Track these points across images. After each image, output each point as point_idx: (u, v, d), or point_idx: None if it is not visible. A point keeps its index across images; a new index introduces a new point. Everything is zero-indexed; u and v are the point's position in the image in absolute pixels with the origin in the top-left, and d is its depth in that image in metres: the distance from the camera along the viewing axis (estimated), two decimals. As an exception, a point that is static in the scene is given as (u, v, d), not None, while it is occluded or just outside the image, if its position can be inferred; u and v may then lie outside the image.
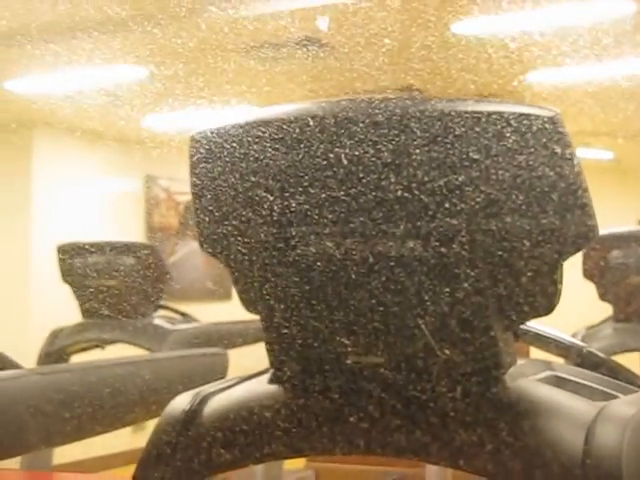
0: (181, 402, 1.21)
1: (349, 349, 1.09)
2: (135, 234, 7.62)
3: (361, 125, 1.02)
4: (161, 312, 3.90)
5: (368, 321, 1.06)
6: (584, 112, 5.57)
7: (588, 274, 3.10)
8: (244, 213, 1.09)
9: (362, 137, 1.02)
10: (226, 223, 1.12)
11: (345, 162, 1.03)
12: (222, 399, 1.20)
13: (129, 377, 1.68)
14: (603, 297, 3.16)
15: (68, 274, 3.72)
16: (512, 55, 4.32)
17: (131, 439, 4.21)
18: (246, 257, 1.12)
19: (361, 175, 1.03)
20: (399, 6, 3.80)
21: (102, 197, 7.60)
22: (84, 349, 3.83)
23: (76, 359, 3.80)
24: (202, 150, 1.13)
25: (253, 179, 1.09)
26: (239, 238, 1.11)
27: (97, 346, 3.86)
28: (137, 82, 5.28)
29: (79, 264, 3.70)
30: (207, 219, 1.14)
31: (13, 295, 6.84)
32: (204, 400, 1.20)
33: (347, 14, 3.98)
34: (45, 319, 4.06)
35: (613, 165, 8.84)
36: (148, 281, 3.69)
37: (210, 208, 1.13)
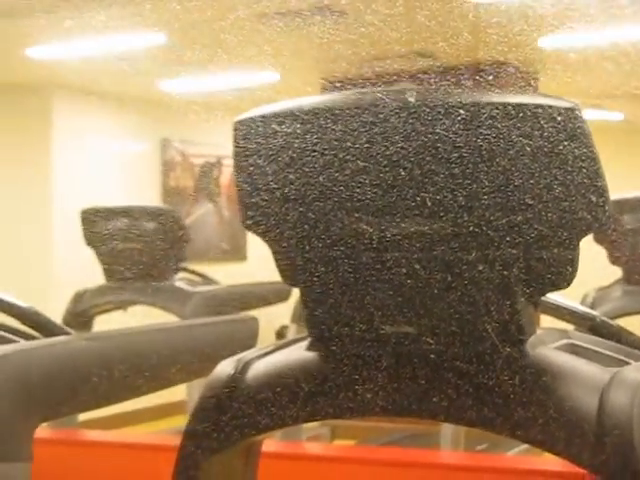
0: (226, 367, 1.30)
1: (383, 319, 1.19)
2: (151, 196, 7.70)
3: (393, 113, 1.12)
4: (182, 274, 3.97)
5: (400, 293, 1.16)
6: (596, 75, 5.63)
7: (599, 239, 3.19)
8: (285, 194, 1.19)
9: (394, 125, 1.11)
10: (268, 203, 1.21)
11: (379, 148, 1.12)
12: (263, 364, 1.30)
13: (167, 342, 1.78)
14: (613, 261, 3.26)
15: (91, 238, 3.78)
16: (526, 20, 4.38)
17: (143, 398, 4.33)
18: (287, 235, 1.22)
19: (394, 160, 1.12)
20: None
21: (119, 160, 7.69)
22: (106, 311, 3.92)
23: (99, 320, 3.89)
24: (245, 134, 1.22)
25: (293, 162, 1.18)
26: (281, 217, 1.21)
27: (119, 308, 3.97)
28: (154, 48, 5.34)
29: (102, 228, 3.77)
30: (250, 199, 1.23)
31: (36, 257, 6.95)
32: (247, 365, 1.29)
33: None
34: (68, 282, 4.15)
35: (623, 126, 8.88)
36: (169, 244, 3.77)
37: (253, 189, 1.22)
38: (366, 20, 4.52)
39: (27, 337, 1.65)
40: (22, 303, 1.70)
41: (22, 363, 1.50)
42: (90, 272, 3.83)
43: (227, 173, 8.61)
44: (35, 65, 5.89)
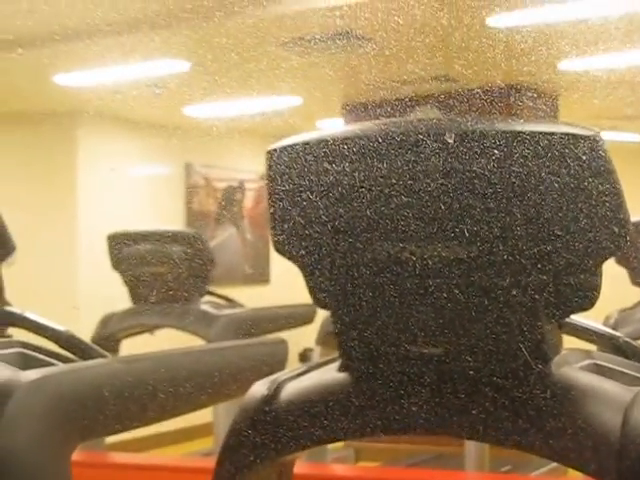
0: (259, 388, 1.35)
1: (411, 341, 1.23)
2: (175, 220, 7.77)
3: (423, 142, 1.16)
4: (207, 298, 4.02)
5: (428, 316, 1.21)
6: (614, 97, 5.66)
7: (621, 260, 3.22)
8: (318, 220, 1.24)
9: (424, 153, 1.16)
10: (300, 228, 1.26)
11: (410, 177, 1.17)
12: (296, 385, 1.34)
13: (199, 365, 1.82)
14: (635, 282, 3.29)
15: (118, 262, 3.83)
16: (545, 44, 4.42)
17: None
18: (318, 259, 1.26)
19: (422, 186, 1.17)
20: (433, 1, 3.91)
21: (143, 184, 7.76)
22: (134, 334, 3.96)
23: (126, 344, 3.93)
24: (278, 162, 1.27)
25: (326, 189, 1.23)
26: (313, 242, 1.25)
27: (146, 331, 4.01)
28: (179, 74, 5.42)
29: (129, 252, 3.82)
30: (282, 224, 1.28)
31: (61, 281, 7.01)
32: (280, 386, 1.34)
33: (384, 7, 4.09)
34: (93, 306, 4.19)
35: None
36: (195, 268, 3.81)
37: (285, 214, 1.27)
38: (387, 44, 4.57)
39: (64, 360, 1.69)
40: (59, 326, 1.74)
41: (60, 385, 1.55)
42: (115, 296, 3.87)
43: (250, 197, 8.67)
44: (62, 91, 5.97)
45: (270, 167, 1.27)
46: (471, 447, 3.67)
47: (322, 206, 1.22)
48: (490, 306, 1.17)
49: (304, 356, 6.22)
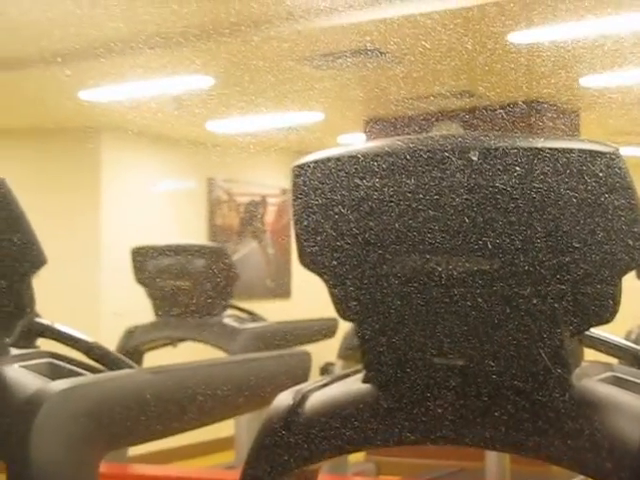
0: (285, 398, 1.38)
1: (437, 351, 1.26)
2: (198, 234, 7.81)
3: (449, 158, 1.19)
4: (229, 311, 4.04)
5: (452, 327, 1.23)
6: (634, 112, 5.67)
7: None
8: (343, 234, 1.26)
9: (450, 169, 1.19)
10: (326, 242, 1.29)
11: (435, 190, 1.20)
12: (321, 396, 1.37)
13: (225, 376, 1.85)
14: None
15: (142, 275, 3.85)
16: (566, 61, 4.44)
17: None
18: (345, 271, 1.29)
19: (448, 201, 1.20)
20: (456, 16, 3.94)
21: (167, 198, 7.81)
22: (157, 347, 3.98)
23: (149, 356, 3.96)
24: (304, 177, 1.30)
25: (353, 204, 1.25)
26: (338, 255, 1.28)
27: (169, 344, 4.04)
28: (202, 89, 5.46)
29: (153, 266, 3.85)
30: (308, 238, 1.31)
31: (84, 294, 7.05)
32: (305, 397, 1.36)
33: (405, 24, 4.13)
34: (115, 317, 4.22)
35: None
36: (218, 281, 3.83)
37: (311, 228, 1.30)
38: (409, 60, 4.60)
39: (92, 370, 1.73)
40: (88, 337, 1.78)
41: (89, 395, 1.58)
42: (138, 308, 3.90)
43: (272, 211, 8.71)
44: (87, 107, 6.03)
45: (296, 182, 1.30)
46: (492, 461, 3.68)
47: (349, 220, 1.25)
48: (512, 315, 1.19)
49: (325, 370, 6.24)
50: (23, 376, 1.55)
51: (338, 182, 1.26)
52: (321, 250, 1.29)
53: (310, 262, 1.31)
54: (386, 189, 1.23)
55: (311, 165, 1.29)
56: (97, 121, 6.73)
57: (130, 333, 3.93)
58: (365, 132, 6.59)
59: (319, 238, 1.28)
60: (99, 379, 1.65)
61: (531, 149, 1.16)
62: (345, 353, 4.01)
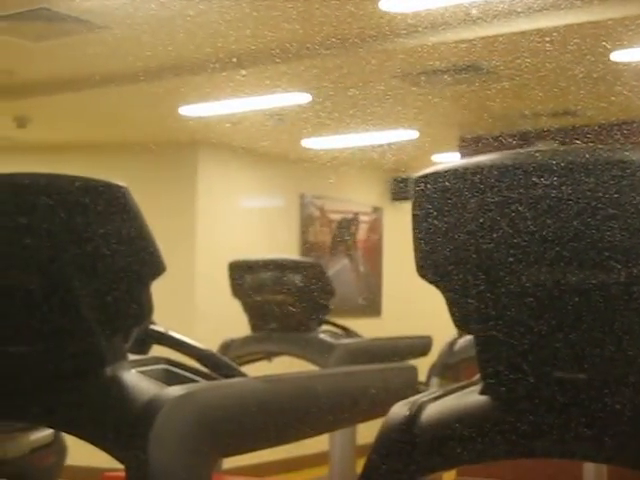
0: (400, 409, 1.37)
1: (555, 364, 1.25)
2: (290, 250, 7.84)
3: (569, 170, 1.19)
4: (324, 327, 4.05)
5: (574, 341, 1.22)
6: None
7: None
8: (467, 245, 1.26)
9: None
10: (446, 254, 1.29)
11: (561, 202, 1.19)
12: (436, 407, 1.36)
13: (335, 386, 1.86)
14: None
15: (238, 289, 3.88)
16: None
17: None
18: (464, 284, 1.28)
19: (571, 213, 1.19)
20: (557, 36, 3.91)
21: (260, 214, 7.87)
22: (252, 361, 4.00)
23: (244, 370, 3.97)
24: (425, 189, 1.30)
25: (472, 216, 1.25)
26: (458, 267, 1.28)
27: (264, 358, 4.06)
28: (299, 107, 5.50)
29: (249, 280, 3.87)
30: (428, 250, 1.31)
31: (178, 307, 7.13)
32: (421, 408, 1.36)
33: (507, 42, 4.11)
34: (208, 332, 4.25)
35: None
36: (315, 297, 3.84)
37: (431, 240, 1.30)
38: (507, 76, 4.58)
39: (205, 377, 1.75)
40: (202, 346, 1.80)
41: (204, 401, 1.60)
42: (231, 323, 3.92)
43: (363, 229, 8.72)
44: (184, 122, 6.11)
45: (418, 194, 1.30)
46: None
47: (473, 231, 1.25)
48: (629, 332, 1.18)
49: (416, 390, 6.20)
50: (141, 381, 1.57)
51: (460, 194, 1.26)
52: (443, 261, 1.29)
53: (426, 273, 1.31)
54: (511, 201, 1.22)
55: (432, 176, 1.29)
56: (195, 136, 6.82)
57: (226, 347, 3.95)
58: (459, 150, 6.57)
59: (440, 249, 1.28)
60: (214, 386, 1.67)
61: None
62: (441, 371, 3.98)
